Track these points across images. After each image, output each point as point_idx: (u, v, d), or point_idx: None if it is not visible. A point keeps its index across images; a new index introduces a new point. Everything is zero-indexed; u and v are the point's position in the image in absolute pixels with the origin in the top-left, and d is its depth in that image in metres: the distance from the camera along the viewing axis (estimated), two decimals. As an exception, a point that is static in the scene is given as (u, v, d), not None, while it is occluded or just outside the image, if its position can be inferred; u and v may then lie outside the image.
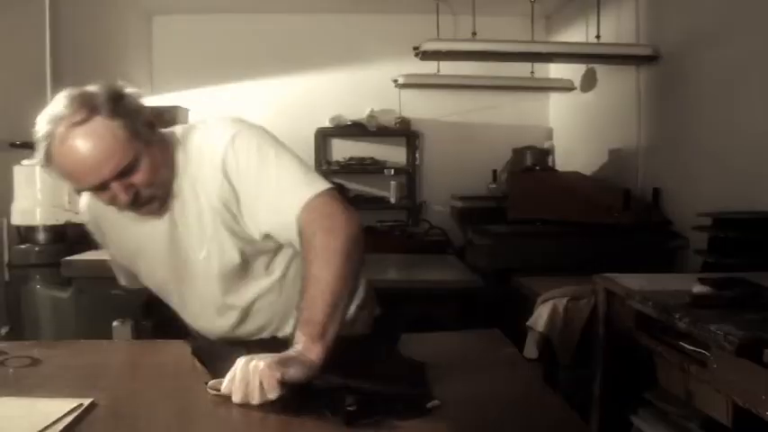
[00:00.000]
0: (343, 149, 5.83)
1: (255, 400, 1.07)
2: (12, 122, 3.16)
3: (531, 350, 2.65)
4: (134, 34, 5.38)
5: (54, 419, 1.02)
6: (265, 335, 1.51)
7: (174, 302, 1.57)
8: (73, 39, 3.91)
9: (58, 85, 3.62)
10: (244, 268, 1.43)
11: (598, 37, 4.21)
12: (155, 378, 1.28)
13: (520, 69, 5.08)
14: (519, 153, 4.84)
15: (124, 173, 1.28)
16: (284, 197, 1.31)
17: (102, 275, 2.81)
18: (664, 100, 3.82)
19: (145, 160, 1.31)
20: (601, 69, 4.57)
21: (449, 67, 4.95)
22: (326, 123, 5.66)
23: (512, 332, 2.82)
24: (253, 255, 1.42)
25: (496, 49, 3.77)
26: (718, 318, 1.79)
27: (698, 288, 2.07)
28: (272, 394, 1.07)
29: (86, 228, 1.65)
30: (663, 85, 3.81)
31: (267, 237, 1.39)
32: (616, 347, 2.46)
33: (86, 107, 1.26)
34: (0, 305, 3.04)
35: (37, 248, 3.01)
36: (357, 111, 5.65)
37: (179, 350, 1.30)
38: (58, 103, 1.27)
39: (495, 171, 5.23)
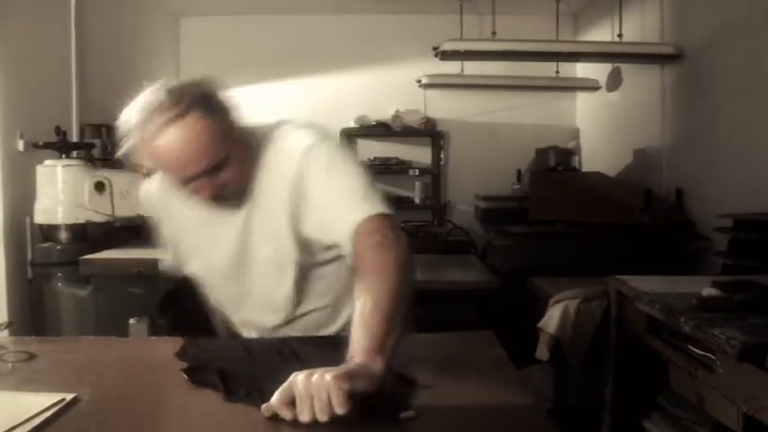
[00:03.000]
0: (368, 149, 5.83)
1: (325, 416, 1.00)
2: (36, 124, 3.25)
3: (542, 352, 2.63)
4: (162, 36, 5.47)
5: (34, 413, 1.05)
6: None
7: (221, 293, 1.61)
8: (99, 42, 3.98)
9: (83, 88, 3.71)
10: (301, 271, 1.47)
11: (620, 36, 4.15)
12: (143, 375, 1.30)
13: (545, 69, 5.05)
14: (542, 153, 4.80)
15: (213, 170, 1.33)
16: (343, 212, 1.35)
17: (120, 274, 2.90)
18: (688, 99, 3.75)
19: (234, 158, 1.35)
20: (626, 69, 4.51)
21: (474, 67, 4.94)
22: (352, 124, 5.68)
23: (526, 333, 2.83)
24: (311, 261, 1.47)
25: (515, 48, 3.74)
26: (723, 321, 1.76)
27: (707, 291, 2.03)
28: (341, 410, 1.00)
29: (145, 212, 1.69)
30: (687, 84, 3.75)
31: (328, 247, 1.45)
32: (628, 350, 2.43)
33: (182, 102, 1.29)
34: (23, 302, 3.12)
35: (59, 247, 3.08)
36: (382, 111, 5.66)
37: (172, 348, 1.32)
38: (152, 96, 1.30)
39: (519, 171, 5.20)
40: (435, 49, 3.81)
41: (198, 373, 1.21)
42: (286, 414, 1.01)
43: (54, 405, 1.09)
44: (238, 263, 1.51)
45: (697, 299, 1.95)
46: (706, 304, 1.93)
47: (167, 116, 1.27)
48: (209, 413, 1.09)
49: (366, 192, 1.36)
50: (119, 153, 1.37)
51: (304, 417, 1.01)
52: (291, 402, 1.02)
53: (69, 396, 1.13)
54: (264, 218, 1.45)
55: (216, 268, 1.56)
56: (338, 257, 1.48)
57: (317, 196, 1.38)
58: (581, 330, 2.53)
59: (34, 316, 3.09)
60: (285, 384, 1.03)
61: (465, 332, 1.50)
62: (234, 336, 1.66)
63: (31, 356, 1.38)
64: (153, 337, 1.64)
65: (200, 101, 1.30)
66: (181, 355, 1.35)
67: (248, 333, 1.63)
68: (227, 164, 1.34)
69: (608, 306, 2.51)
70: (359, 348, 1.12)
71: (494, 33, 4.21)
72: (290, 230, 1.43)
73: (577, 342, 2.54)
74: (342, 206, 1.35)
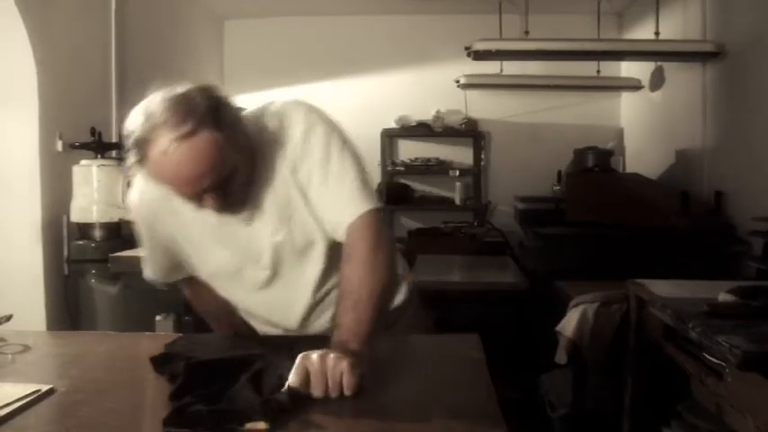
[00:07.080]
0: (408, 150, 5.85)
1: (336, 393, 1.10)
2: (75, 125, 3.35)
3: (560, 355, 2.58)
4: (205, 38, 5.58)
5: (5, 402, 1.09)
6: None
7: (229, 291, 1.58)
8: (139, 43, 4.07)
9: (122, 89, 3.81)
10: (320, 252, 1.46)
11: (657, 34, 4.04)
12: (126, 369, 1.33)
13: (586, 69, 4.96)
14: (580, 154, 4.69)
15: (222, 182, 1.29)
16: (339, 205, 1.38)
17: (147, 271, 2.97)
18: (730, 99, 3.63)
19: (241, 166, 1.32)
20: (669, 67, 4.39)
21: (514, 67, 4.88)
22: (392, 124, 5.69)
23: (550, 336, 2.78)
24: (326, 240, 1.46)
25: (548, 47, 3.68)
26: (732, 328, 1.70)
27: (722, 296, 1.97)
28: (351, 392, 1.10)
29: (132, 219, 1.62)
30: (729, 83, 3.62)
31: None
32: (647, 355, 2.37)
33: (192, 118, 1.22)
34: (60, 298, 3.23)
35: (93, 244, 3.17)
36: (423, 111, 5.66)
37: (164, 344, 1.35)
38: (159, 107, 1.23)
39: (559, 172, 5.11)
40: (467, 48, 3.78)
41: (162, 363, 1.23)
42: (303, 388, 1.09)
43: (27, 396, 1.13)
44: (242, 255, 1.47)
45: (709, 305, 1.89)
46: (718, 310, 1.87)
47: (175, 134, 1.20)
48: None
49: (360, 184, 1.39)
50: (127, 169, 1.31)
51: (317, 392, 1.10)
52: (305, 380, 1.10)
53: (45, 387, 1.17)
54: (270, 203, 1.41)
55: (216, 265, 1.53)
56: None
57: (315, 186, 1.40)
58: (599, 334, 2.48)
59: (70, 311, 3.20)
60: (298, 362, 1.12)
61: (450, 335, 1.48)
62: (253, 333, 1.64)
63: (26, 349, 1.43)
64: (148, 333, 1.68)
65: (208, 115, 1.23)
66: (169, 345, 1.39)
67: (271, 330, 1.60)
68: (236, 174, 1.31)
69: (627, 310, 2.45)
70: (350, 334, 1.23)
71: (526, 33, 4.15)
72: (308, 210, 1.42)
73: (596, 346, 2.49)
74: (338, 199, 1.39)
